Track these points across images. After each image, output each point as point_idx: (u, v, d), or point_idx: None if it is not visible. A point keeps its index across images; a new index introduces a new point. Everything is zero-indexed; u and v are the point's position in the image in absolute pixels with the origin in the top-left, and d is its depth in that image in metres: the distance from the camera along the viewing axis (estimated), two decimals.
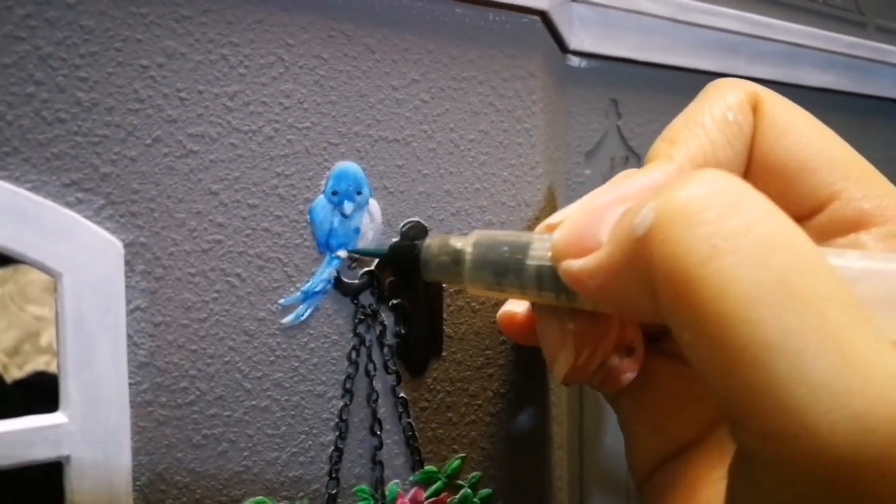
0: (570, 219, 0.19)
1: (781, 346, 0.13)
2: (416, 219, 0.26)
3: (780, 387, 0.13)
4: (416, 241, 0.24)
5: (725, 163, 0.21)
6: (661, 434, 0.24)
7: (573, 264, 0.18)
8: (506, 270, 0.21)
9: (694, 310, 0.14)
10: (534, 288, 0.20)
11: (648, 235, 0.15)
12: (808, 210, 0.22)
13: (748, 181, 0.16)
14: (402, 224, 0.26)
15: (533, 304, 0.23)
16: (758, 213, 0.15)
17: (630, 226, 0.16)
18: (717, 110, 0.21)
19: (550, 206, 0.30)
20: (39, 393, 0.65)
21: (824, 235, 0.21)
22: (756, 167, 0.22)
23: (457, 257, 0.22)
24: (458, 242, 0.22)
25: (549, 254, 0.19)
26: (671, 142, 0.21)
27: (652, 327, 0.24)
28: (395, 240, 0.26)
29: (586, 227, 0.18)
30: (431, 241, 0.23)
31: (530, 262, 0.20)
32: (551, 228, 0.21)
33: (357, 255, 0.25)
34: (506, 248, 0.21)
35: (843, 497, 0.13)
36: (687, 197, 0.15)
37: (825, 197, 0.21)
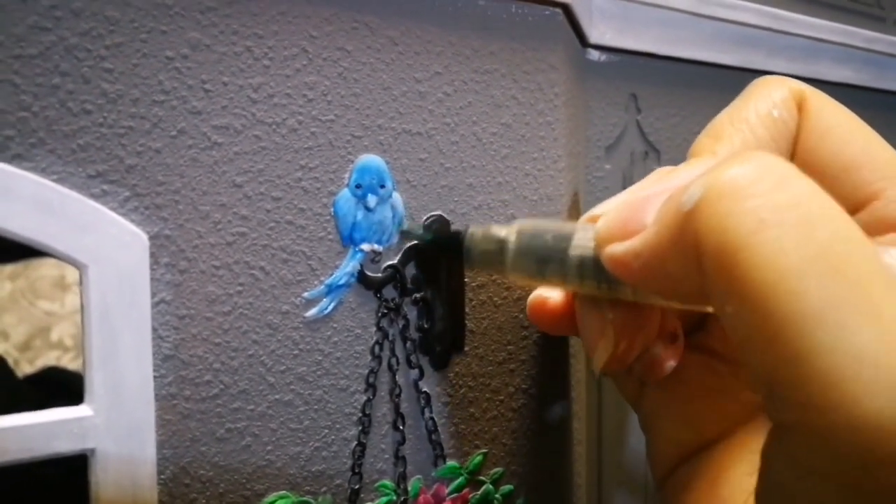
0: (613, 208, 0.19)
1: (824, 317, 0.14)
2: (438, 212, 0.26)
3: (821, 357, 0.13)
4: (460, 230, 0.24)
5: None
6: (688, 429, 0.24)
7: (617, 248, 0.18)
8: (548, 259, 0.21)
9: (739, 280, 0.14)
10: (576, 277, 0.21)
11: (697, 209, 0.15)
12: (848, 208, 0.22)
13: None
14: (424, 218, 0.26)
15: (574, 295, 0.23)
16: (803, 190, 0.15)
17: (677, 203, 0.16)
18: (763, 107, 0.21)
19: (573, 200, 0.30)
20: (50, 388, 0.65)
21: None
22: (799, 164, 0.22)
23: (500, 245, 0.22)
24: (501, 231, 0.23)
25: (593, 243, 0.20)
26: (715, 137, 0.21)
27: (685, 321, 0.24)
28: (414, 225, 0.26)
29: (631, 213, 0.18)
30: (475, 230, 0.23)
31: (573, 251, 0.20)
32: (594, 220, 0.21)
33: (400, 237, 0.25)
34: (549, 237, 0.21)
35: (882, 468, 0.13)
36: (735, 173, 0.15)
37: (866, 196, 0.21)
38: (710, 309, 0.20)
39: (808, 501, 0.15)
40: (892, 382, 0.13)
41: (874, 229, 0.21)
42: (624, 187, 0.35)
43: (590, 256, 0.20)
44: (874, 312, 0.14)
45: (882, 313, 0.14)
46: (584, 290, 0.21)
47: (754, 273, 0.14)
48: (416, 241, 0.25)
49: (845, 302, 0.14)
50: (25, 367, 0.93)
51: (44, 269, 0.98)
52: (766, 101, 0.21)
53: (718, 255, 0.15)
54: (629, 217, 0.18)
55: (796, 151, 0.22)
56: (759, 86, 0.22)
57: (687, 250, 0.16)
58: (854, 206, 0.21)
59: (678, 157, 0.37)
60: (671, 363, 0.23)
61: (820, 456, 0.14)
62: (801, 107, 0.22)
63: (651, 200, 0.18)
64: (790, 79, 0.22)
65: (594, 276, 0.20)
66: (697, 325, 0.25)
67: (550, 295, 0.24)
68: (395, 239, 0.25)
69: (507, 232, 0.22)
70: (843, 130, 0.21)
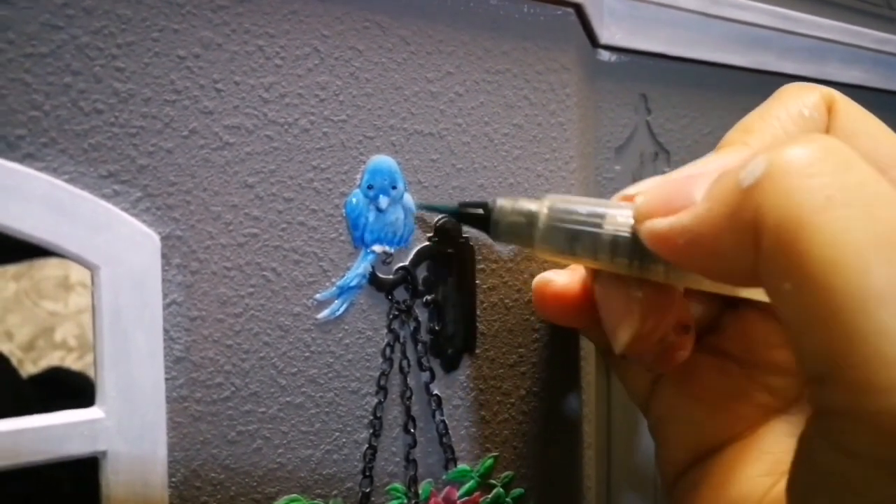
0: (653, 186, 0.19)
1: (887, 297, 0.14)
2: None
3: (884, 336, 0.13)
4: (487, 202, 0.23)
5: None
6: (699, 431, 0.23)
7: (660, 223, 0.18)
8: (580, 235, 0.21)
9: (802, 257, 0.14)
10: (607, 254, 0.20)
11: (759, 185, 0.15)
12: None
13: None
14: (436, 219, 0.25)
15: (596, 274, 0.23)
16: (868, 172, 0.15)
17: (735, 179, 0.16)
18: (793, 107, 0.21)
19: None
20: (54, 388, 0.65)
21: None
22: None
23: (530, 219, 0.22)
24: (531, 205, 0.22)
25: (628, 220, 0.20)
26: (746, 131, 0.21)
27: (698, 324, 0.24)
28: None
29: (676, 189, 0.18)
30: (503, 202, 0.23)
31: (607, 227, 0.20)
32: (628, 199, 0.21)
33: (424, 210, 0.25)
34: (581, 213, 0.21)
35: None
36: (800, 151, 0.15)
37: None
38: (744, 293, 0.20)
39: (855, 487, 0.15)
40: None
41: None
42: None
43: (624, 234, 0.20)
44: None
45: None
46: (614, 268, 0.21)
47: (819, 250, 0.14)
48: (439, 216, 0.25)
49: None
50: (29, 368, 0.93)
51: (48, 269, 0.98)
52: (797, 102, 0.22)
53: (781, 230, 0.15)
54: (674, 194, 0.18)
55: None
56: (789, 89, 0.22)
57: (743, 226, 0.16)
58: None
59: (688, 158, 0.37)
60: (683, 353, 0.23)
61: (872, 440, 0.14)
62: (830, 110, 0.22)
63: (697, 179, 0.18)
64: (820, 85, 0.22)
65: (627, 253, 0.20)
66: (710, 327, 0.24)
67: (555, 277, 0.24)
68: (412, 232, 0.25)
69: (537, 206, 0.22)
70: (871, 134, 0.21)
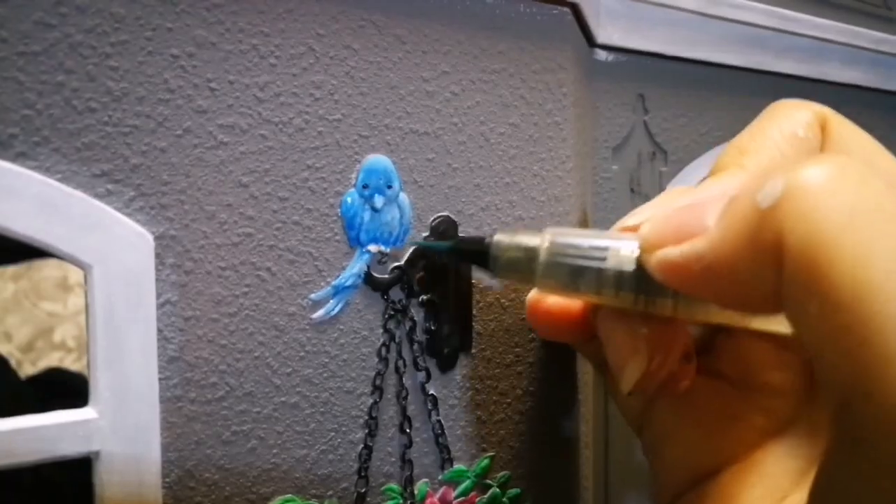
0: (658, 215, 0.18)
1: None
2: (445, 213, 0.26)
3: None
4: (484, 237, 0.23)
5: None
6: (695, 454, 0.23)
7: (672, 251, 0.17)
8: (583, 270, 0.20)
9: (828, 278, 0.14)
10: (611, 288, 0.20)
11: (778, 206, 0.15)
12: None
13: None
14: (431, 218, 0.25)
15: (598, 310, 0.22)
16: (885, 189, 0.15)
17: (751, 201, 0.16)
18: (787, 126, 0.21)
19: (580, 201, 0.30)
20: (52, 389, 0.65)
21: None
22: None
23: (530, 254, 0.21)
24: (531, 239, 0.21)
25: (633, 252, 0.19)
26: (742, 151, 0.21)
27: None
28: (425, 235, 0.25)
29: (686, 216, 0.17)
30: (502, 237, 0.22)
31: (610, 261, 0.20)
32: (630, 230, 0.20)
33: (415, 246, 0.25)
34: (583, 246, 0.20)
35: None
36: (819, 171, 0.15)
37: None
38: (755, 324, 0.19)
39: None
40: None
41: None
42: (631, 188, 0.35)
43: (630, 267, 0.19)
44: None
45: None
46: (618, 303, 0.20)
47: (848, 271, 0.14)
48: (435, 252, 0.25)
49: None
50: (28, 369, 0.93)
51: (46, 270, 0.98)
52: (790, 121, 0.21)
53: (804, 251, 0.14)
54: (684, 220, 0.17)
55: None
56: (780, 107, 0.22)
57: (763, 249, 0.15)
58: None
59: (685, 158, 0.37)
60: (686, 382, 0.22)
61: None
62: (823, 128, 0.21)
63: (706, 204, 0.17)
64: (811, 102, 0.22)
65: (633, 287, 0.19)
66: (704, 348, 0.24)
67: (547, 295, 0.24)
68: (407, 246, 0.25)
69: (538, 240, 0.21)
70: (865, 152, 0.21)
